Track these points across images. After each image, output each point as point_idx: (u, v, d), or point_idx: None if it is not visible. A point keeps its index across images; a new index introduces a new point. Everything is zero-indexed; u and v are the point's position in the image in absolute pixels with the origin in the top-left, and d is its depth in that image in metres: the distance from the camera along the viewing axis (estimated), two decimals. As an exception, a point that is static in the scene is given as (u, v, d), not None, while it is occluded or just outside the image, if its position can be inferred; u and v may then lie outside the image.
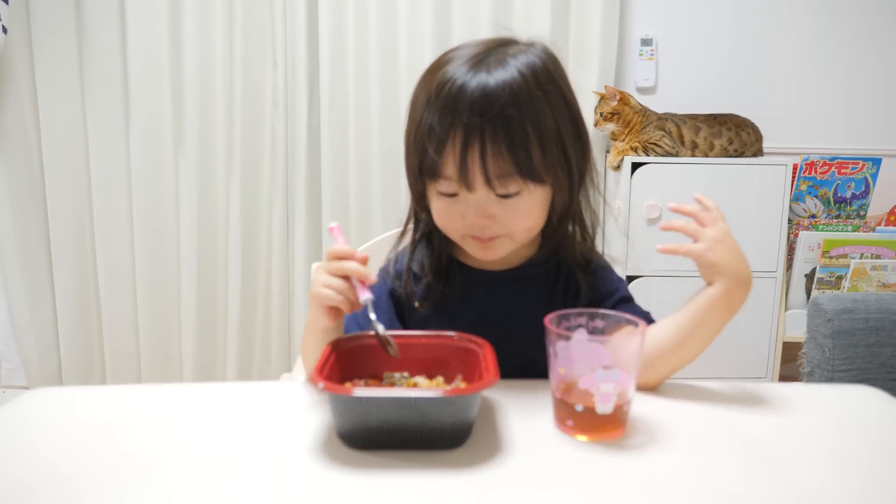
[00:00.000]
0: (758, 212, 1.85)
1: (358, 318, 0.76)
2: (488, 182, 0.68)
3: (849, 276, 1.84)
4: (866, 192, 1.97)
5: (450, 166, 0.69)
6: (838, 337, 1.14)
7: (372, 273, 0.67)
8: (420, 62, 1.90)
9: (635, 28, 2.11)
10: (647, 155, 1.87)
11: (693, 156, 1.88)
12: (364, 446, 0.57)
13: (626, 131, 1.91)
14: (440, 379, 0.67)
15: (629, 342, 0.59)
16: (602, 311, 0.64)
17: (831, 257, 1.88)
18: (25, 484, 0.52)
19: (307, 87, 2.01)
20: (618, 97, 1.91)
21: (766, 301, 1.89)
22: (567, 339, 0.58)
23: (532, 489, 0.51)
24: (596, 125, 1.95)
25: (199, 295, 2.08)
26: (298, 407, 0.67)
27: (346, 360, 0.66)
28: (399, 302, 0.83)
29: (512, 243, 0.75)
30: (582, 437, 0.60)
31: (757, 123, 1.92)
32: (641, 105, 1.94)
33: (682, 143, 1.88)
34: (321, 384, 0.56)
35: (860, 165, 1.95)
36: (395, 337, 0.68)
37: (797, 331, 1.90)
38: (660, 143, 1.86)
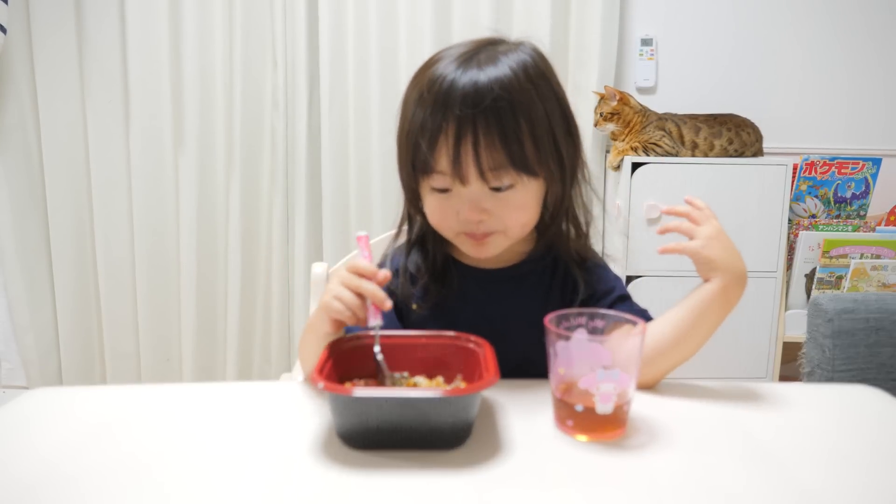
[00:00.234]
0: (758, 212, 1.85)
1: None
2: (482, 175, 0.68)
3: (849, 276, 1.84)
4: (866, 192, 1.97)
5: (443, 160, 0.69)
6: (838, 337, 1.14)
7: (389, 299, 0.65)
8: (420, 62, 1.89)
9: (635, 28, 2.11)
10: (647, 155, 1.87)
11: (693, 156, 1.88)
12: (364, 446, 0.57)
13: (626, 131, 1.91)
14: (440, 379, 0.67)
15: (629, 342, 0.59)
16: (602, 310, 0.64)
17: (831, 257, 1.88)
18: (25, 484, 0.52)
19: (307, 87, 2.01)
20: (618, 97, 1.91)
21: (766, 301, 1.89)
22: (567, 339, 0.58)
23: (532, 489, 0.51)
24: (596, 125, 1.95)
25: (199, 295, 2.08)
26: (298, 407, 0.67)
27: (346, 360, 0.66)
28: (397, 300, 0.83)
29: (506, 240, 0.75)
30: (582, 437, 0.60)
31: (757, 123, 1.92)
32: (641, 105, 1.93)
33: (683, 143, 1.88)
34: (321, 384, 0.56)
35: (860, 165, 1.95)
36: (395, 337, 0.69)
37: (797, 331, 1.90)
38: (660, 143, 1.86)
